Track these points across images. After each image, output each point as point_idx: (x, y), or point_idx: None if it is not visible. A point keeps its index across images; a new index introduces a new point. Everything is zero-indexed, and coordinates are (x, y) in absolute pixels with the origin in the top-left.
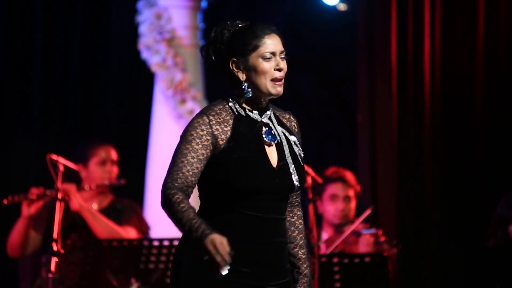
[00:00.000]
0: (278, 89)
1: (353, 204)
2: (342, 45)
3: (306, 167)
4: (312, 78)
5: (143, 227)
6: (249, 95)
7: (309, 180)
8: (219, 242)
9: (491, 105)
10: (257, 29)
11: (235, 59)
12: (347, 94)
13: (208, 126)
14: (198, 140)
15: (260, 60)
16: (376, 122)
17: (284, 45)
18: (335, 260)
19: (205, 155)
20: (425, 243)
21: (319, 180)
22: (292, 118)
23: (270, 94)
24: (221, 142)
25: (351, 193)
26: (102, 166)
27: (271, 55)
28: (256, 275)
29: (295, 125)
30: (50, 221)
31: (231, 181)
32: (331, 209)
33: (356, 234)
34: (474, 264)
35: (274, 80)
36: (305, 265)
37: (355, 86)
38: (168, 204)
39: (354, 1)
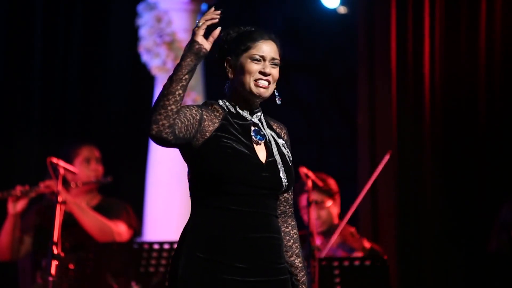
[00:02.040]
0: (260, 90)
1: (330, 207)
2: (342, 47)
3: (306, 170)
4: (312, 80)
5: (133, 223)
6: (227, 92)
7: (309, 183)
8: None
9: (491, 108)
10: (255, 33)
11: (229, 58)
12: (347, 96)
13: (198, 108)
14: (186, 108)
15: (249, 60)
16: (376, 124)
17: (280, 54)
18: (336, 263)
19: (191, 117)
20: (426, 246)
21: (319, 183)
22: (282, 127)
23: (252, 94)
24: (208, 129)
25: (318, 197)
26: (87, 164)
27: (260, 58)
28: (254, 270)
29: (285, 134)
30: (41, 224)
31: (219, 169)
32: (310, 218)
33: (348, 250)
34: (476, 267)
35: (256, 81)
36: (302, 273)
37: (355, 88)
38: (152, 108)
39: (354, 4)
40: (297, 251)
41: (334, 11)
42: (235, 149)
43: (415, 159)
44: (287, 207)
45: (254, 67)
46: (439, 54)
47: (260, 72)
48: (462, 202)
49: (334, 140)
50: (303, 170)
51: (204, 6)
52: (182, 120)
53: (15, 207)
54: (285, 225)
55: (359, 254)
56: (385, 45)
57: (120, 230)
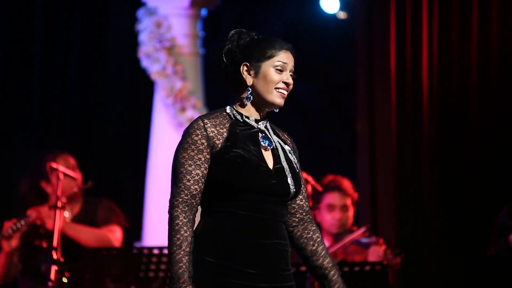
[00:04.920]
0: (279, 100)
1: (350, 213)
2: (341, 53)
3: (306, 175)
4: (312, 86)
5: (122, 221)
6: (249, 100)
7: (309, 188)
8: None
9: (488, 112)
10: (276, 42)
11: (247, 63)
12: (347, 102)
13: (202, 130)
14: (193, 146)
15: (272, 69)
16: (376, 130)
17: (295, 65)
18: None
19: (203, 159)
20: (425, 251)
21: (319, 188)
22: (287, 136)
23: (272, 104)
24: (217, 142)
25: (348, 202)
26: (65, 176)
27: (282, 68)
28: (263, 276)
29: (291, 142)
30: (26, 243)
31: (229, 178)
32: (328, 219)
33: (364, 245)
34: (475, 272)
35: (278, 91)
36: (332, 272)
37: (355, 94)
38: (169, 226)
39: (354, 9)
40: (323, 252)
41: (333, 16)
42: (244, 157)
43: (414, 163)
44: (303, 214)
45: (278, 76)
46: (437, 59)
47: (284, 82)
48: (460, 206)
49: (333, 146)
50: (303, 175)
51: (203, 12)
52: (199, 186)
53: (10, 244)
54: (306, 231)
55: (376, 246)
56: (384, 50)
57: (117, 235)
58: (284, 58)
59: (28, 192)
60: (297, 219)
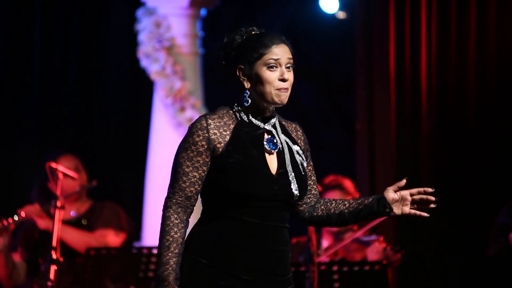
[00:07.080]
0: (282, 98)
1: None
2: (341, 53)
3: None
4: (311, 86)
5: (124, 225)
6: (247, 103)
7: None
8: None
9: (487, 112)
10: (266, 38)
11: (242, 66)
12: (346, 102)
13: (205, 131)
14: (193, 147)
15: (264, 69)
16: (375, 130)
17: (293, 56)
18: (335, 268)
19: (201, 162)
20: (425, 250)
21: (319, 188)
22: (298, 128)
23: (274, 103)
24: (218, 146)
25: (346, 198)
26: (67, 177)
27: (276, 64)
28: (257, 283)
29: (301, 135)
30: (29, 245)
31: (228, 185)
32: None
33: (364, 243)
34: (475, 272)
35: (278, 89)
36: (345, 204)
37: (354, 94)
38: (161, 226)
39: (353, 9)
40: (334, 203)
41: (333, 16)
42: (243, 164)
43: (413, 163)
44: (315, 199)
45: (272, 75)
46: (436, 59)
47: (280, 80)
48: (460, 205)
49: (332, 145)
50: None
51: (203, 11)
52: (195, 188)
53: None
54: (320, 206)
55: (376, 243)
56: (384, 50)
57: (107, 239)
58: (276, 53)
59: (39, 196)
60: (312, 207)
